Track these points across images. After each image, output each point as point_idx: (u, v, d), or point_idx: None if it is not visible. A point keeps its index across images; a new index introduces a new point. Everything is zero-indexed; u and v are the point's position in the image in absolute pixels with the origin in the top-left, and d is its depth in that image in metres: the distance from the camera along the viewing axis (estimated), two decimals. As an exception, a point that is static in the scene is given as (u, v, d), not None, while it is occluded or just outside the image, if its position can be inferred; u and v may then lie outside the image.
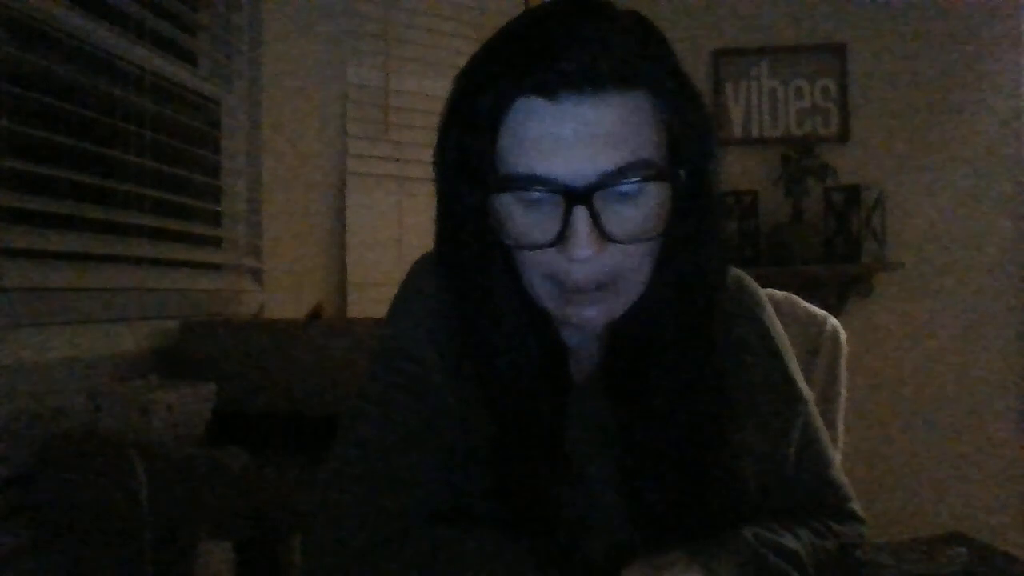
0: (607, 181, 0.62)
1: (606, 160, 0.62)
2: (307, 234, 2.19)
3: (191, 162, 1.75)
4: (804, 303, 1.15)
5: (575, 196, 0.61)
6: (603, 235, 0.62)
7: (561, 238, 0.63)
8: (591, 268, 0.64)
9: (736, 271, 0.84)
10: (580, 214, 0.62)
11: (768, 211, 2.93)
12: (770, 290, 1.15)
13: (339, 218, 2.28)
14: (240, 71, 1.92)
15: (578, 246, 0.62)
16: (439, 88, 2.50)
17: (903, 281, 2.96)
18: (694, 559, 0.66)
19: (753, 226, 2.90)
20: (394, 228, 2.36)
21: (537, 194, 0.63)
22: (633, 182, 0.63)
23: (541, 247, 0.64)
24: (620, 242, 0.63)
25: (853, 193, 2.85)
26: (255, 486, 1.19)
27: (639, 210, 0.64)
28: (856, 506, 0.82)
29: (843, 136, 3.01)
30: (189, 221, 1.72)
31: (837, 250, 2.86)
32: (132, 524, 1.06)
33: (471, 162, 0.66)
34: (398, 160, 2.37)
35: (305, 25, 2.18)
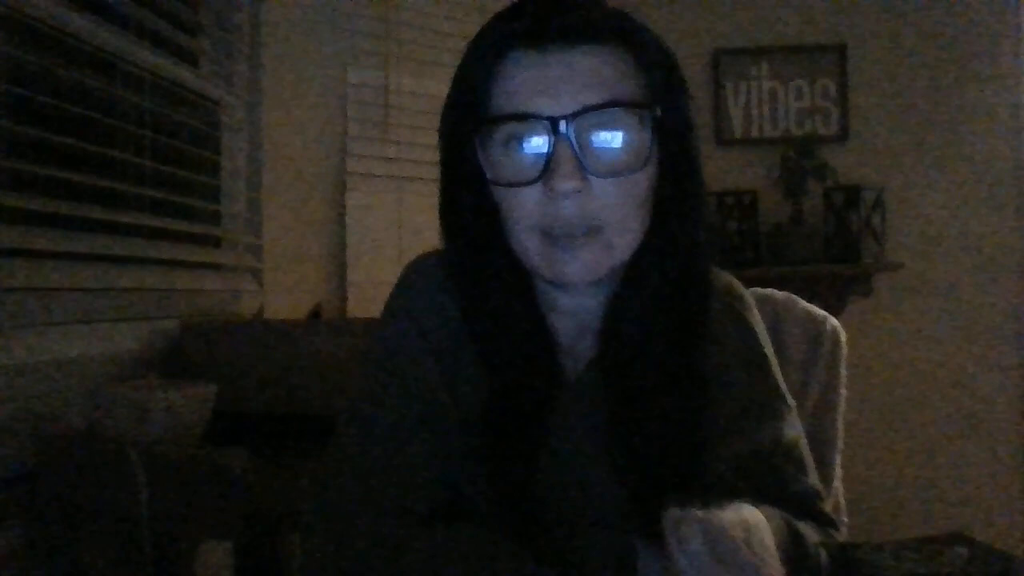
0: (588, 109, 0.66)
1: (588, 97, 0.67)
2: (307, 234, 2.19)
3: (191, 162, 1.75)
4: (804, 303, 1.15)
5: (558, 125, 0.66)
6: (584, 167, 0.67)
7: (546, 172, 0.67)
8: (575, 206, 0.68)
9: (724, 273, 0.85)
10: (563, 146, 0.66)
11: (768, 211, 2.93)
12: (770, 290, 1.15)
13: (339, 218, 2.28)
14: (240, 71, 1.92)
15: (561, 176, 0.66)
16: (439, 88, 2.49)
17: (903, 281, 2.96)
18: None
19: (753, 226, 2.90)
20: (394, 228, 2.36)
21: (524, 133, 0.68)
22: (613, 109, 0.67)
23: (529, 182, 0.68)
24: (601, 175, 0.67)
25: (853, 193, 2.85)
26: (255, 486, 1.19)
27: (618, 150, 0.68)
28: (832, 514, 0.82)
29: (843, 136, 3.01)
30: (189, 221, 1.72)
31: (837, 250, 2.86)
32: (132, 524, 1.06)
33: (469, 111, 0.71)
34: (398, 160, 2.36)
35: (305, 25, 2.18)
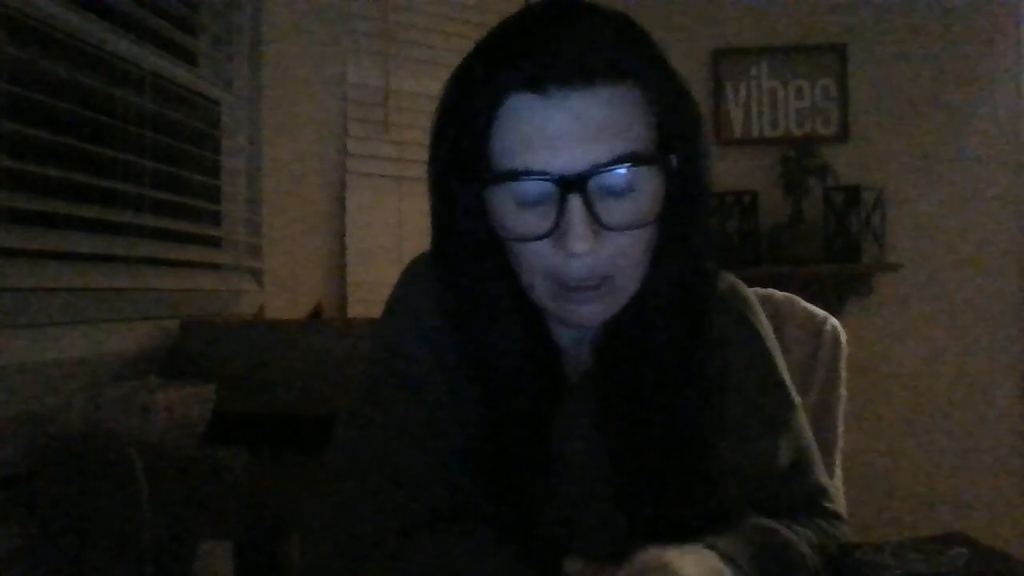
0: (599, 170, 0.63)
1: (597, 151, 0.63)
2: (307, 234, 2.19)
3: (191, 162, 1.75)
4: (804, 303, 1.15)
5: (568, 185, 0.62)
6: (597, 223, 0.63)
7: (557, 230, 0.64)
8: (588, 263, 0.65)
9: (729, 276, 0.84)
10: (574, 204, 0.62)
11: (768, 211, 2.93)
12: (770, 290, 1.15)
13: (339, 218, 2.28)
14: (240, 71, 1.92)
15: (574, 238, 0.63)
16: (439, 88, 2.50)
17: (903, 281, 2.96)
18: (711, 547, 0.65)
19: (753, 226, 2.90)
20: (394, 228, 2.36)
21: (531, 190, 0.64)
22: (624, 168, 0.63)
23: (538, 238, 0.65)
24: (614, 229, 0.64)
25: (853, 193, 2.85)
26: (255, 486, 1.19)
27: (631, 201, 0.65)
28: (840, 509, 0.82)
29: (843, 136, 3.01)
30: (189, 221, 1.72)
31: (837, 250, 2.86)
32: (132, 524, 1.06)
33: (465, 162, 0.67)
34: (398, 160, 2.36)
35: (305, 25, 2.17)
